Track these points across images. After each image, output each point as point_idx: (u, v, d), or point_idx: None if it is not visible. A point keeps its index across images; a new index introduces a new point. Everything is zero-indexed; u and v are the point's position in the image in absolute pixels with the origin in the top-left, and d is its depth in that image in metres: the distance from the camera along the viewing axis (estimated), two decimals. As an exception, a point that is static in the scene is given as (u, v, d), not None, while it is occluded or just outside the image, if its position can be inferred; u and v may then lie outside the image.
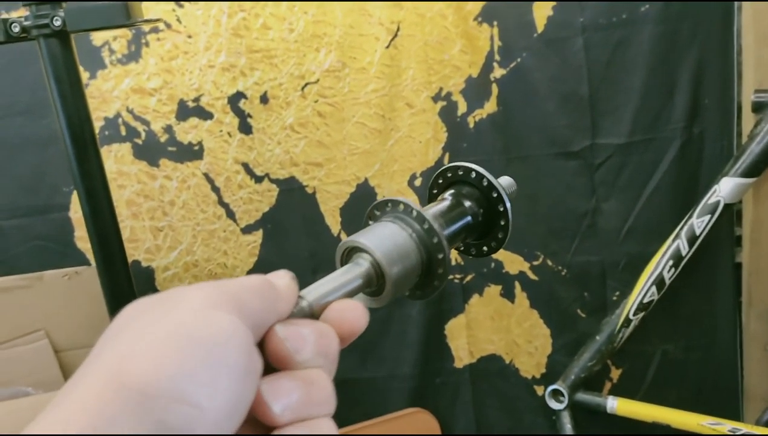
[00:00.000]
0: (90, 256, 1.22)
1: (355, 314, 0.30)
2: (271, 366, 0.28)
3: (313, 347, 0.28)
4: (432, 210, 0.41)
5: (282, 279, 0.30)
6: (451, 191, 0.44)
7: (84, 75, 1.16)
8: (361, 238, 0.35)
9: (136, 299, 0.79)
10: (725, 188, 1.08)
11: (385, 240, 0.35)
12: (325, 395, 0.28)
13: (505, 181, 0.46)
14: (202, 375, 0.23)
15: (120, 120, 1.18)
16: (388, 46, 1.17)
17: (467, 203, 0.43)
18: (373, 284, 0.35)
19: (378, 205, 0.39)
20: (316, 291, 0.31)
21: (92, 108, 1.18)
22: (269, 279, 0.29)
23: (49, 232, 1.21)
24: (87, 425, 0.21)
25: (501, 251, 1.30)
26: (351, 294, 0.33)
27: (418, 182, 1.24)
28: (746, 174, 1.07)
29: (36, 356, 1.17)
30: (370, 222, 0.39)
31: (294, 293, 0.30)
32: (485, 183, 0.43)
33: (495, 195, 0.43)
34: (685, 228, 1.11)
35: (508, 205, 0.44)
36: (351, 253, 0.36)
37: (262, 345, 0.27)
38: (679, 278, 1.14)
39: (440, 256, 0.37)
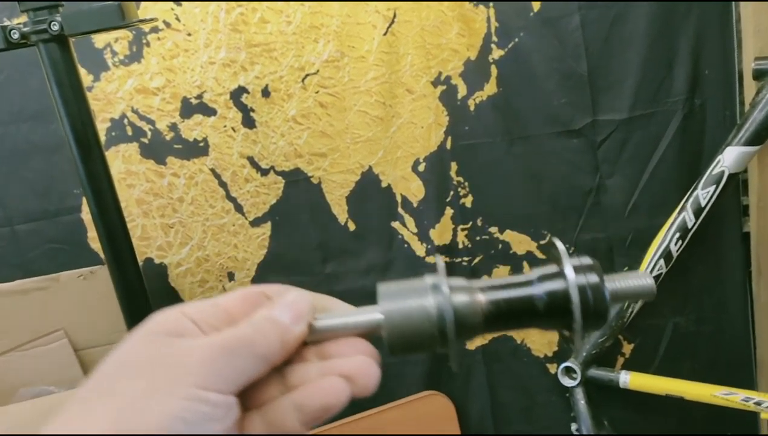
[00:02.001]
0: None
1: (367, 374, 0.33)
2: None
3: None
4: (490, 282, 0.35)
5: (296, 325, 0.33)
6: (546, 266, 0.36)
7: (88, 78, 1.18)
8: (383, 290, 0.34)
9: (146, 295, 0.80)
10: (729, 158, 1.08)
11: (400, 303, 0.34)
12: None
13: (624, 283, 0.36)
14: None
15: (125, 120, 1.20)
16: (385, 33, 1.18)
17: (541, 287, 0.35)
18: None
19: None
20: (324, 332, 0.34)
21: (97, 110, 1.21)
22: (284, 335, 0.32)
23: (63, 234, 1.24)
24: None
25: (507, 231, 1.31)
26: (362, 333, 0.35)
27: (421, 168, 1.24)
28: (750, 142, 1.06)
29: (57, 355, 1.20)
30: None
31: (298, 341, 0.33)
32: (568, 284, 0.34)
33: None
34: (691, 200, 1.11)
35: (578, 313, 0.33)
36: None
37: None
38: (687, 250, 1.13)
39: (445, 335, 0.33)
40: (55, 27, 0.70)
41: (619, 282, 0.35)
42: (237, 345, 0.30)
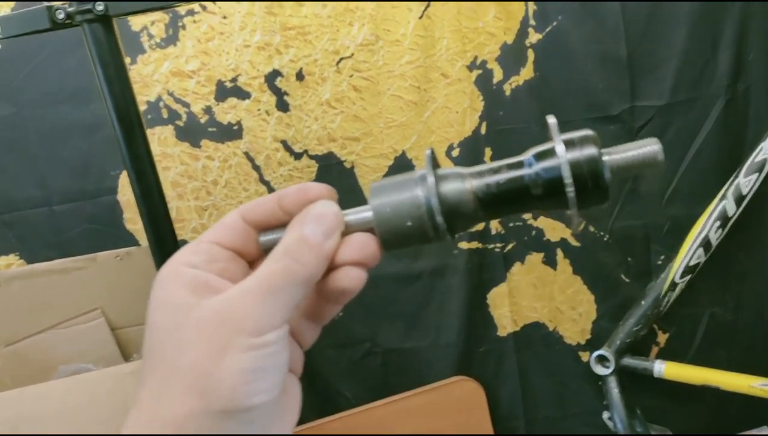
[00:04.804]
0: (138, 236, 1.26)
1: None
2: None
3: None
4: (481, 167, 0.35)
5: (329, 239, 0.33)
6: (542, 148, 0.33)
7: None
8: (374, 187, 0.35)
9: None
10: (773, 145, 1.05)
11: (389, 198, 0.34)
12: None
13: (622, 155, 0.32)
14: (264, 389, 0.29)
15: (161, 103, 1.21)
16: (421, 17, 1.17)
17: (534, 167, 0.33)
18: None
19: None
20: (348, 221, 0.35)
21: (134, 92, 1.21)
22: (320, 255, 0.32)
23: (100, 215, 1.25)
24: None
25: (542, 218, 1.29)
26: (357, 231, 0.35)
27: (455, 153, 1.23)
28: (795, 129, 1.04)
29: (94, 334, 1.22)
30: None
31: (332, 254, 0.33)
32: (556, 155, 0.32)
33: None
34: (732, 188, 1.09)
35: (571, 190, 0.31)
36: None
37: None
38: (727, 238, 1.11)
39: (436, 225, 0.34)
40: (100, 7, 0.71)
41: (619, 153, 0.32)
42: (279, 282, 0.30)
